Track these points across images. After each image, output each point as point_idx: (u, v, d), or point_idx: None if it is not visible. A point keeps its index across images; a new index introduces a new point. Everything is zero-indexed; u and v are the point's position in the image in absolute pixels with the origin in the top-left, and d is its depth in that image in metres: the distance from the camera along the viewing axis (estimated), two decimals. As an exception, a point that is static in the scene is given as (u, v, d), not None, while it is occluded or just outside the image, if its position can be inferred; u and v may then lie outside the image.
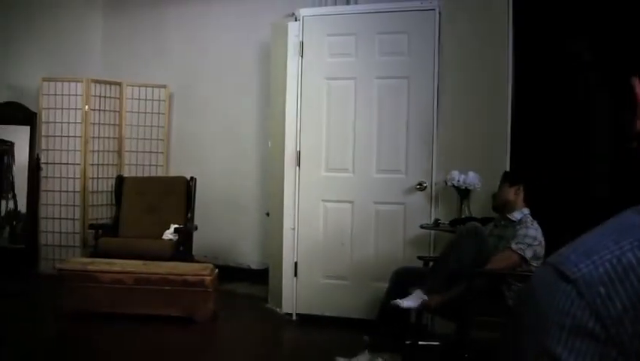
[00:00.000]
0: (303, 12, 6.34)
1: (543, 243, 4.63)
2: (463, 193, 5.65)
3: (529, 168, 5.31)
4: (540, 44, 5.69)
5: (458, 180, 5.60)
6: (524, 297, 0.89)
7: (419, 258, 5.38)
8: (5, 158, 8.14)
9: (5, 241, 8.16)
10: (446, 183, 5.71)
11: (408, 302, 4.66)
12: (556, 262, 0.83)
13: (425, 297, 4.63)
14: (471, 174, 5.57)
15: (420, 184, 5.90)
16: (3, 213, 8.15)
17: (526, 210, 4.80)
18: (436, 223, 5.74)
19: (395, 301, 4.71)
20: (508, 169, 5.47)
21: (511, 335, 0.87)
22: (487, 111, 5.74)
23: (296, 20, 6.34)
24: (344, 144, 6.21)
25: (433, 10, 5.86)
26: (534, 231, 4.63)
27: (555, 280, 0.81)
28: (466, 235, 4.70)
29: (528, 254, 4.54)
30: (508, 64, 5.62)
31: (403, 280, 4.91)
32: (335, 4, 6.96)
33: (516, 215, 4.79)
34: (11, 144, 8.16)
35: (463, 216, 5.61)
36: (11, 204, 8.16)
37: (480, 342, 4.78)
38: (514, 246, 4.57)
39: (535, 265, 4.58)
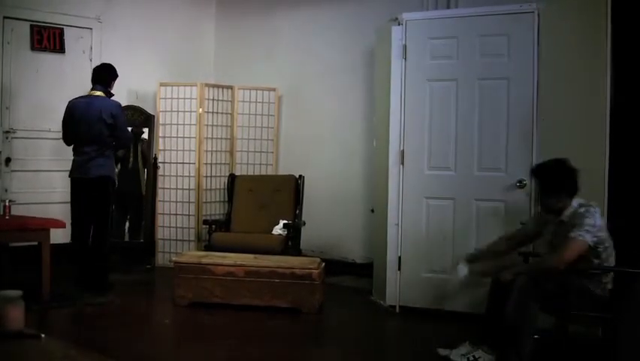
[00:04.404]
0: (407, 16, 6.47)
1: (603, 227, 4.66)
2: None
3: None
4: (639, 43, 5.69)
5: (557, 178, 5.66)
6: None
7: (519, 254, 5.47)
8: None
9: (126, 235, 8.66)
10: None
11: None
12: None
13: None
14: (571, 172, 5.61)
15: (520, 182, 5.97)
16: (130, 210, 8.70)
17: (575, 203, 4.75)
18: (536, 220, 5.80)
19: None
20: (607, 167, 5.47)
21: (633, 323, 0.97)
22: (586, 110, 5.71)
23: (399, 24, 6.47)
24: (446, 143, 6.32)
25: (532, 12, 5.91)
26: (590, 218, 4.59)
27: None
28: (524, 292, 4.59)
29: (589, 240, 4.54)
30: (606, 63, 5.57)
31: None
32: (436, 7, 7.12)
33: (566, 213, 4.75)
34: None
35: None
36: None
37: (579, 337, 4.89)
38: (572, 234, 4.58)
39: (601, 249, 4.62)
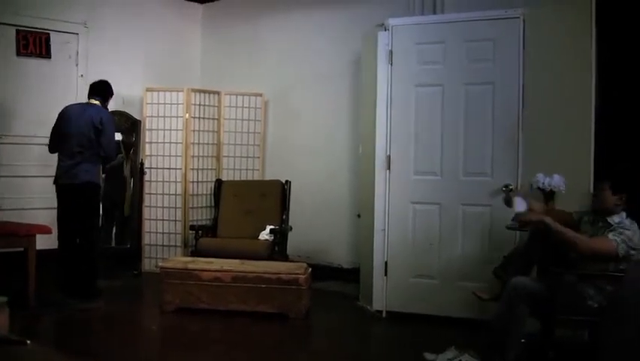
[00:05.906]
0: (393, 22, 6.50)
1: (638, 247, 4.58)
2: (548, 195, 5.66)
3: (634, 175, 5.07)
4: (624, 46, 5.70)
5: (543, 183, 5.66)
6: (630, 290, 0.99)
7: (505, 258, 5.49)
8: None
9: (112, 241, 8.62)
10: (531, 186, 5.78)
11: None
12: None
13: None
14: (556, 176, 5.60)
15: (506, 186, 5.99)
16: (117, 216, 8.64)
17: (624, 214, 4.73)
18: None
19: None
20: (592, 171, 5.50)
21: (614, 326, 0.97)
22: (571, 114, 5.73)
23: (385, 30, 6.50)
24: (432, 148, 6.34)
25: (518, 18, 5.95)
26: (631, 232, 4.58)
27: None
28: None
29: (620, 250, 4.51)
30: (592, 67, 5.61)
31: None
32: (423, 13, 7.13)
33: (615, 219, 4.71)
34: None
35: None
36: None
37: (564, 341, 4.90)
38: (610, 235, 4.56)
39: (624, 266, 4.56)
